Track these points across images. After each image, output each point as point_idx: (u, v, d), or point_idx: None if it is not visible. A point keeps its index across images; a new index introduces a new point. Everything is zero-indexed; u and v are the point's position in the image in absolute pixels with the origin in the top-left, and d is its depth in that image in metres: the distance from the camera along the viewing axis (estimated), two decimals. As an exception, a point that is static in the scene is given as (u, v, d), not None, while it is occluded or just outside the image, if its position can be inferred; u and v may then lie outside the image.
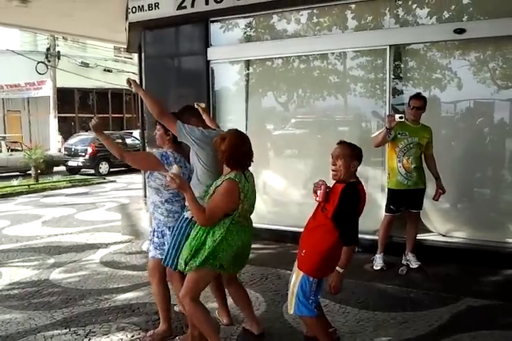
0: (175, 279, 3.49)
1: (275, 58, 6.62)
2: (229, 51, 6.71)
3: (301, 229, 6.03)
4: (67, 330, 3.83)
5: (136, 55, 11.29)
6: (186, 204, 3.48)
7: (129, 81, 3.67)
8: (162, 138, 3.63)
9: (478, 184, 5.99)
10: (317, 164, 6.52)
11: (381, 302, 4.38)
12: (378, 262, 5.21)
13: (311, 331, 3.40)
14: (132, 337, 3.71)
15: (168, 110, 3.57)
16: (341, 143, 3.22)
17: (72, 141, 17.86)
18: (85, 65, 24.26)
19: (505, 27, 5.03)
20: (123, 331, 3.81)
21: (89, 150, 16.47)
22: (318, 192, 3.15)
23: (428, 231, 5.85)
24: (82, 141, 17.28)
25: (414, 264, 5.18)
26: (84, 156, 16.67)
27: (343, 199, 3.02)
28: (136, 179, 14.59)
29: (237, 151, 3.13)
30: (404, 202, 5.15)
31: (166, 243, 3.55)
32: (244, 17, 6.64)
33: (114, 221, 8.31)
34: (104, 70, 25.06)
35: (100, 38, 12.30)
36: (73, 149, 17.05)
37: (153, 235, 3.63)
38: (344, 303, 4.30)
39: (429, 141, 5.14)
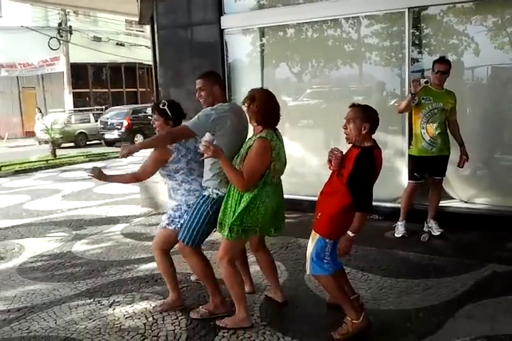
0: (187, 253, 3.44)
1: (290, 25, 6.42)
2: (242, 19, 6.52)
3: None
4: (92, 300, 3.88)
5: (148, 28, 11.12)
6: (201, 180, 3.45)
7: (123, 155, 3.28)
8: (163, 128, 3.53)
9: (499, 150, 5.86)
10: (333, 134, 6.41)
11: (403, 269, 4.35)
12: (400, 229, 5.16)
13: (326, 290, 3.37)
14: (156, 306, 3.73)
15: (169, 130, 3.43)
16: (353, 105, 3.15)
17: (108, 115, 18.63)
18: (97, 39, 24.13)
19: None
20: (146, 300, 3.84)
21: (125, 123, 17.33)
22: (333, 161, 3.12)
23: (450, 197, 5.77)
24: (118, 114, 18.21)
25: (436, 231, 5.13)
26: (120, 129, 17.46)
27: (358, 166, 2.98)
28: (153, 153, 14.64)
29: (268, 109, 3.11)
30: (428, 169, 5.05)
31: (179, 216, 3.50)
32: (257, -17, 6.46)
33: (132, 194, 8.31)
34: (117, 44, 24.93)
35: (111, 10, 12.11)
36: (109, 123, 17.78)
37: (173, 210, 3.56)
38: (366, 271, 4.27)
39: (453, 107, 5.00)
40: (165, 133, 3.48)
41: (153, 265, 4.64)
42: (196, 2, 6.66)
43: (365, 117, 3.04)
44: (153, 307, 3.70)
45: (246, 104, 3.13)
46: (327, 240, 3.15)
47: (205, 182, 3.40)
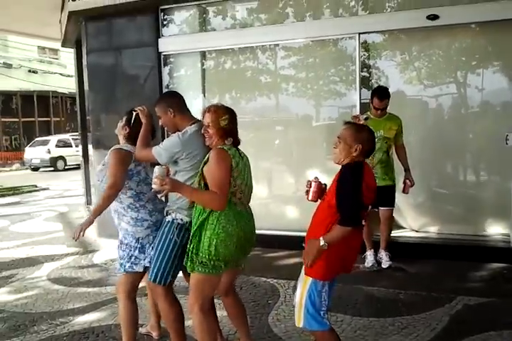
0: (158, 294, 2.98)
1: (232, 49, 6.13)
2: (182, 42, 6.15)
3: (266, 232, 5.60)
4: (22, 365, 3.22)
5: (63, 55, 10.44)
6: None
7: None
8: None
9: (449, 179, 5.83)
10: (289, 164, 6.15)
11: (372, 307, 4.05)
12: (370, 259, 4.98)
13: None
14: (103, 367, 3.16)
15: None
16: (347, 123, 2.77)
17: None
18: (8, 65, 22.78)
19: (479, 13, 4.86)
20: (90, 361, 3.25)
21: None
22: (311, 191, 2.74)
23: (400, 227, 5.63)
24: None
25: (386, 263, 4.94)
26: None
27: (345, 174, 2.57)
28: (71, 185, 13.71)
29: (236, 126, 2.85)
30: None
31: (133, 256, 3.05)
32: (197, 5, 6.13)
33: (55, 232, 7.54)
34: (29, 71, 23.66)
35: (29, 34, 11.14)
36: None
37: (119, 248, 3.12)
38: (333, 310, 3.90)
39: (399, 132, 4.88)
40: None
41: (91, 316, 4.04)
42: (132, 23, 6.19)
43: (357, 137, 2.62)
44: None
45: (215, 118, 2.74)
46: (321, 282, 2.60)
47: (169, 206, 2.99)
